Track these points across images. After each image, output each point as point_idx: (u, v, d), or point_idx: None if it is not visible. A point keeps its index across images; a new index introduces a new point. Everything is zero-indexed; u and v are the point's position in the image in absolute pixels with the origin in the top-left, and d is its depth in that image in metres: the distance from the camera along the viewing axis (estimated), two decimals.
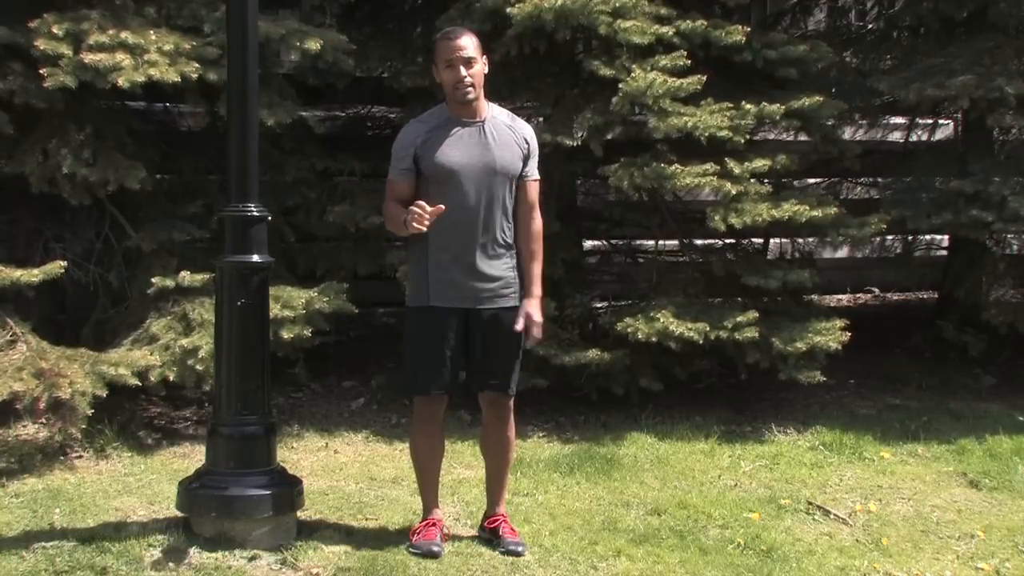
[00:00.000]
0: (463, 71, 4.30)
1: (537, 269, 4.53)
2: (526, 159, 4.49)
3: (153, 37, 5.58)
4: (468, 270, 4.40)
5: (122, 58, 5.44)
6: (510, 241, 4.49)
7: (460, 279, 4.39)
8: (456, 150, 4.36)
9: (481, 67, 4.36)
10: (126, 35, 5.50)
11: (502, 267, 4.46)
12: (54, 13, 5.54)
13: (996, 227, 6.70)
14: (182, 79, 5.56)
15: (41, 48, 5.39)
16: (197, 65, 5.61)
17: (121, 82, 5.42)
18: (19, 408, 5.21)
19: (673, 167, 6.10)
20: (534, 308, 4.47)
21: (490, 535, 4.65)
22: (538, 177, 4.57)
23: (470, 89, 4.32)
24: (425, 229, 4.26)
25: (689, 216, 7.12)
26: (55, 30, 5.43)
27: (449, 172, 4.35)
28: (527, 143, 4.50)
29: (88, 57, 5.39)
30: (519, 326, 4.43)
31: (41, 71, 5.40)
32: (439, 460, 4.67)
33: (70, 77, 5.39)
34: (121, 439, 5.66)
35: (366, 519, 4.91)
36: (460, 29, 4.46)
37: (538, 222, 4.55)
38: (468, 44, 4.32)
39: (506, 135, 4.44)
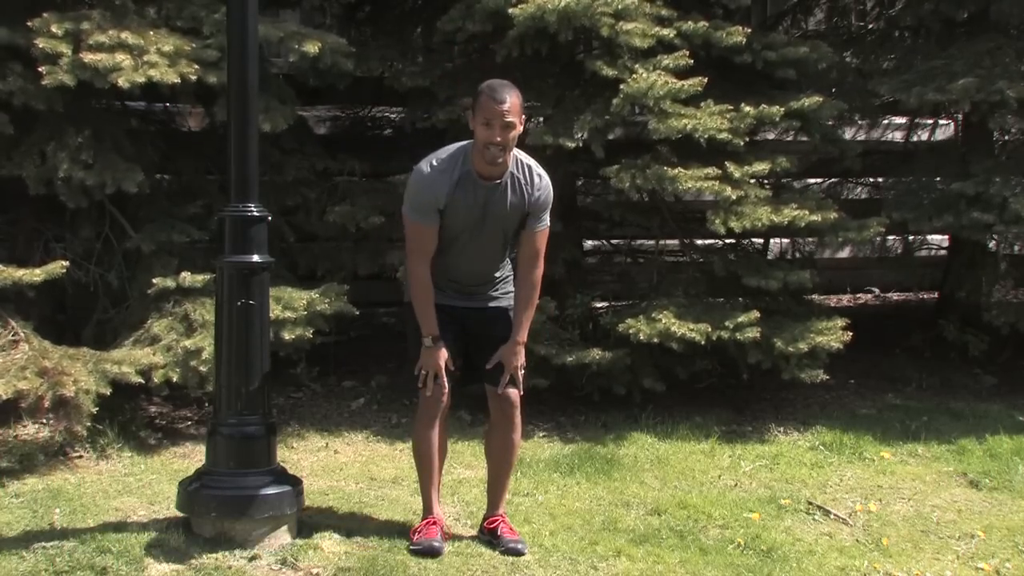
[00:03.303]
0: (498, 137, 4.24)
1: (527, 317, 4.53)
2: (528, 216, 4.44)
3: (153, 38, 5.58)
4: (467, 293, 4.51)
5: (122, 58, 5.43)
6: (508, 273, 4.58)
7: (459, 288, 4.50)
8: (468, 211, 4.35)
9: (517, 131, 4.31)
10: (126, 35, 5.49)
11: (501, 288, 4.58)
12: (54, 12, 5.54)
13: (997, 229, 6.69)
14: (181, 80, 5.55)
15: (40, 47, 5.38)
16: (196, 67, 5.60)
17: (121, 82, 5.42)
18: (23, 407, 5.21)
19: (676, 170, 6.10)
20: (514, 355, 4.48)
21: (490, 535, 4.65)
22: (547, 226, 4.51)
23: (500, 153, 4.28)
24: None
25: (689, 216, 7.12)
26: (54, 29, 5.42)
27: (456, 229, 4.39)
28: (533, 206, 4.41)
29: (88, 57, 5.38)
30: (489, 366, 4.48)
31: (40, 69, 5.40)
32: (441, 460, 4.67)
33: (69, 76, 5.38)
34: (122, 439, 5.65)
35: (366, 519, 4.91)
36: (507, 89, 4.30)
37: (539, 271, 4.51)
38: (510, 109, 4.25)
39: (516, 198, 4.39)
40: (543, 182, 4.44)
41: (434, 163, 4.37)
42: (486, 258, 4.50)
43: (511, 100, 4.26)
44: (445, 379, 4.42)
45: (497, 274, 4.57)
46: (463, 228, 4.39)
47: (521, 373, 4.53)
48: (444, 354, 4.42)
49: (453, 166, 4.34)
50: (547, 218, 4.49)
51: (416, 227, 4.39)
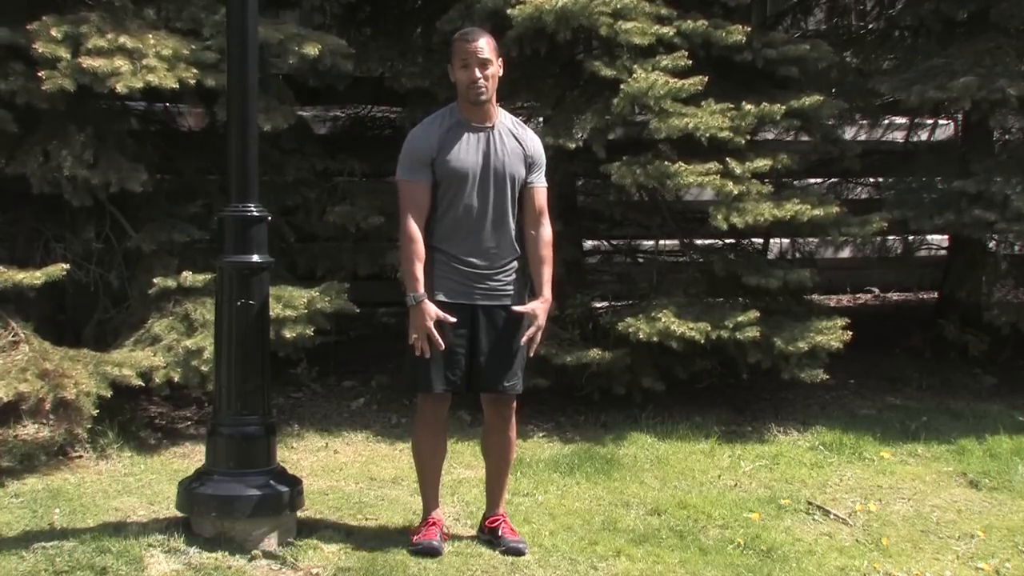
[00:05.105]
0: (478, 72, 4.36)
1: (547, 273, 4.56)
2: (530, 167, 4.52)
3: (152, 41, 5.57)
4: (473, 270, 4.43)
5: (120, 63, 5.42)
6: (516, 246, 4.51)
7: (464, 278, 4.43)
8: (467, 155, 4.40)
9: (495, 69, 4.42)
10: (124, 39, 5.48)
11: (506, 269, 4.49)
12: (53, 15, 5.53)
13: (999, 227, 6.69)
14: (180, 85, 5.56)
15: (40, 51, 5.37)
16: (195, 71, 5.60)
17: (119, 87, 5.42)
18: (24, 409, 5.20)
19: (677, 165, 6.10)
20: (541, 310, 4.50)
21: (490, 535, 4.66)
22: (545, 185, 4.61)
23: (483, 90, 4.38)
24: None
25: (689, 216, 7.13)
26: (54, 32, 5.42)
27: (459, 177, 4.39)
28: (531, 152, 4.53)
29: (86, 61, 5.37)
30: (526, 336, 4.46)
31: (40, 74, 5.40)
32: (441, 460, 4.68)
33: (68, 80, 5.38)
34: (121, 439, 5.66)
35: (366, 519, 4.92)
36: (478, 31, 4.51)
37: (547, 228, 4.58)
38: (485, 46, 4.39)
39: (512, 142, 4.49)
40: (527, 129, 4.61)
41: (421, 124, 4.55)
42: (498, 214, 4.43)
43: (484, 39, 4.43)
44: (439, 338, 4.32)
45: (511, 243, 4.49)
46: (467, 172, 4.39)
47: (539, 334, 4.49)
48: (433, 310, 4.35)
49: (441, 119, 4.49)
50: (542, 177, 4.60)
51: (406, 184, 4.46)
